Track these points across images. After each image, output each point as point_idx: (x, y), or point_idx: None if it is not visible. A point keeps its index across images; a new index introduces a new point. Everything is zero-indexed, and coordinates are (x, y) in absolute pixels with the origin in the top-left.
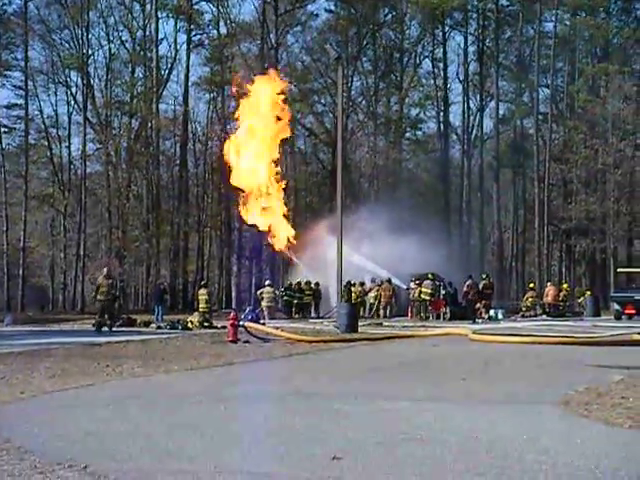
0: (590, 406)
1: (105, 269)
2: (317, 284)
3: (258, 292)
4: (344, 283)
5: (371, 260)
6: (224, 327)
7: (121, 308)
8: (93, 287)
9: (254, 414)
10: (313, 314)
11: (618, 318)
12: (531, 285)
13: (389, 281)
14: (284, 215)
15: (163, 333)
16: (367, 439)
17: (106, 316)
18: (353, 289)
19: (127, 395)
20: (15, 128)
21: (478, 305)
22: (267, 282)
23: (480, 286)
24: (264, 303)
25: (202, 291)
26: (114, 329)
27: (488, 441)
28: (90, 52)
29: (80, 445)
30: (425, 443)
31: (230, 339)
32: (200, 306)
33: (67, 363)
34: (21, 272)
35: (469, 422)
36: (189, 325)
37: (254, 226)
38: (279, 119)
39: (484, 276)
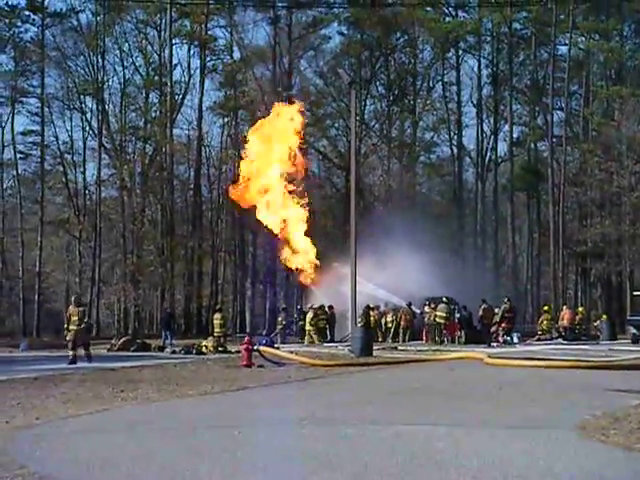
0: (607, 431)
1: (74, 297)
2: (331, 307)
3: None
4: (363, 307)
5: (384, 287)
6: (238, 352)
7: (90, 335)
8: (109, 312)
9: (269, 439)
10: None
11: (635, 342)
12: (545, 308)
13: (409, 305)
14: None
15: (177, 358)
16: (383, 464)
17: (80, 348)
18: (372, 313)
19: (142, 420)
20: (31, 154)
21: (494, 328)
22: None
23: (502, 309)
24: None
25: (217, 315)
26: (131, 353)
27: (504, 466)
28: (105, 78)
29: (95, 470)
30: (441, 468)
31: (244, 363)
32: (215, 330)
33: (82, 388)
34: (36, 297)
35: (485, 447)
36: (203, 350)
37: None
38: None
39: (506, 300)
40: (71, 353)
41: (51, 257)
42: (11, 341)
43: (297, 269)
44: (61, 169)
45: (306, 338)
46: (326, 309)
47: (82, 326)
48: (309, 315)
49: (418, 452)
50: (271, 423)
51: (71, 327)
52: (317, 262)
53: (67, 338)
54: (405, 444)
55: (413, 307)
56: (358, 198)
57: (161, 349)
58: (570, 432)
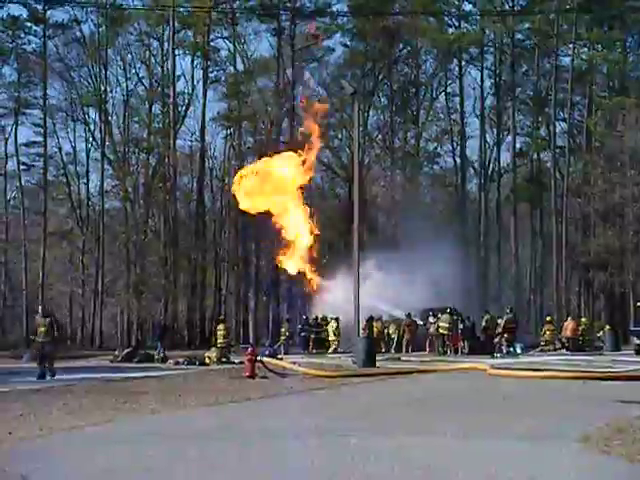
0: (610, 442)
1: (40, 307)
2: (335, 319)
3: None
4: (366, 318)
5: (386, 300)
6: (241, 362)
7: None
8: (112, 324)
9: (273, 450)
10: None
11: (638, 353)
12: (548, 319)
13: (409, 316)
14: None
15: (181, 369)
16: (386, 474)
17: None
18: (375, 324)
19: (145, 431)
20: (34, 165)
21: (497, 339)
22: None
23: (504, 320)
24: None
25: (220, 326)
26: (134, 364)
27: (507, 477)
28: (108, 89)
29: None
30: (444, 478)
31: (248, 374)
32: (218, 341)
33: (85, 399)
34: (40, 308)
35: (487, 457)
36: (207, 361)
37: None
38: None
39: (508, 310)
40: (39, 366)
41: (54, 268)
42: (14, 352)
43: (300, 279)
44: (64, 180)
45: (332, 348)
46: (328, 320)
47: (48, 338)
48: (332, 325)
49: (421, 463)
50: (274, 434)
51: (38, 339)
52: (320, 273)
53: (33, 351)
54: (408, 455)
55: (413, 317)
56: (361, 209)
57: (164, 360)
58: (573, 443)
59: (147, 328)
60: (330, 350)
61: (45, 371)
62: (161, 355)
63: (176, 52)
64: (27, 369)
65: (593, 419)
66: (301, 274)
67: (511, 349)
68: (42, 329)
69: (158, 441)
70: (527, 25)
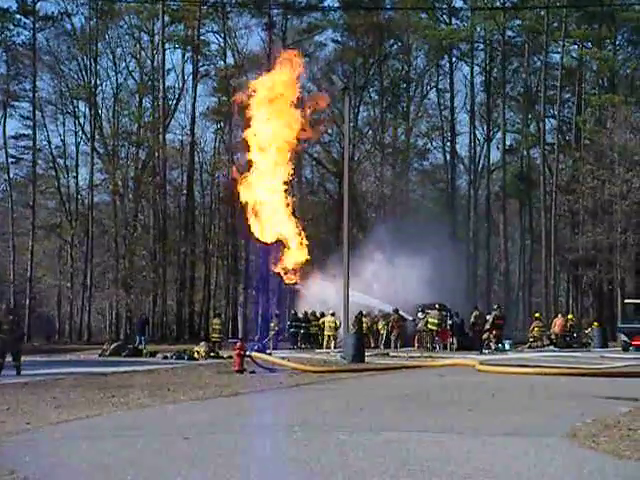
0: (598, 438)
1: (4, 304)
2: (323, 314)
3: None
4: (356, 314)
5: (374, 294)
6: (230, 357)
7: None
8: (100, 317)
9: (260, 445)
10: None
11: (625, 349)
12: (537, 315)
13: (396, 311)
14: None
15: (169, 363)
16: (373, 470)
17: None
18: (364, 320)
19: (133, 426)
20: (23, 158)
21: (486, 335)
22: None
23: (492, 316)
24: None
25: (216, 320)
26: (123, 358)
27: (494, 473)
28: (98, 82)
29: (85, 476)
30: (432, 474)
31: (236, 369)
32: (212, 335)
33: (73, 393)
34: (28, 302)
35: (475, 454)
36: (195, 355)
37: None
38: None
39: (495, 307)
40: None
41: (43, 262)
42: None
43: (289, 274)
44: (53, 173)
45: (332, 343)
46: (317, 315)
47: (12, 335)
48: (329, 319)
49: (409, 458)
50: (263, 429)
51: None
52: (309, 268)
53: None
54: (396, 450)
55: (401, 312)
56: (351, 204)
57: (153, 354)
58: (561, 439)
59: (134, 322)
60: (332, 345)
61: (2, 367)
62: (142, 346)
63: (166, 46)
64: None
65: (580, 415)
66: (290, 269)
67: (499, 345)
68: (5, 327)
69: (146, 435)
70: (517, 22)
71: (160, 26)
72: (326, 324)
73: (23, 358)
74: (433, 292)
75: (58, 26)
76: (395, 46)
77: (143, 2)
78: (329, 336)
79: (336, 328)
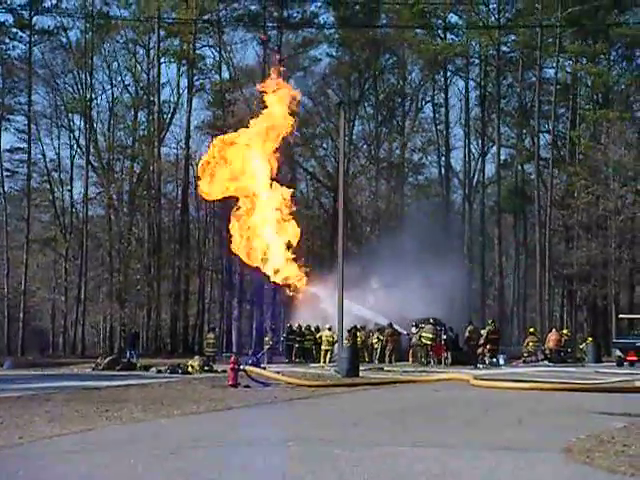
0: (592, 453)
1: None
2: (317, 328)
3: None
4: (349, 328)
5: (370, 308)
6: (224, 371)
7: None
8: (94, 331)
9: (255, 460)
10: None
11: (620, 365)
12: (531, 330)
13: (390, 326)
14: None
15: (163, 377)
16: None
17: None
18: (358, 334)
19: (126, 440)
20: (18, 172)
21: (480, 350)
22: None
23: (486, 331)
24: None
25: (210, 335)
26: (116, 372)
27: None
28: (93, 96)
29: None
30: None
31: (230, 383)
32: (206, 350)
33: (66, 407)
34: (22, 315)
35: (470, 469)
36: (189, 369)
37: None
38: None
39: (490, 321)
40: None
41: (37, 275)
42: None
43: (283, 288)
44: (48, 187)
45: (327, 357)
46: (312, 329)
47: None
48: (326, 333)
49: (404, 473)
50: (257, 444)
51: None
52: (304, 281)
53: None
54: (391, 465)
55: (395, 326)
56: (346, 219)
57: (147, 368)
58: (555, 454)
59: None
60: (327, 360)
61: None
62: (134, 360)
63: (162, 60)
64: (8, 377)
65: (575, 431)
66: (285, 283)
67: (494, 360)
68: None
69: (140, 450)
70: (512, 37)
71: (156, 40)
72: (323, 338)
73: (19, 372)
74: (427, 306)
75: (54, 40)
76: (390, 61)
77: (139, 19)
78: (326, 350)
79: (333, 343)
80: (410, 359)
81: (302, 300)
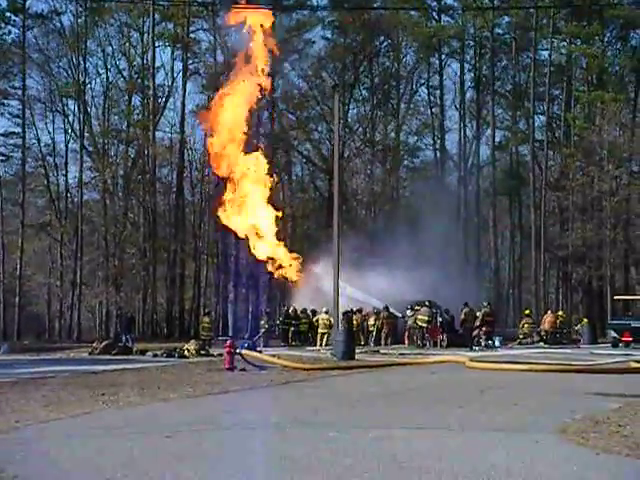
0: (587, 434)
1: None
2: (313, 312)
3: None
4: (345, 311)
5: (364, 290)
6: (220, 355)
7: None
8: (90, 316)
9: (251, 443)
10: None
11: (615, 345)
12: (527, 312)
13: (387, 309)
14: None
15: (159, 361)
16: (365, 467)
17: None
18: (354, 317)
19: (123, 424)
20: (12, 156)
21: (476, 332)
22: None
23: (482, 313)
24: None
25: (206, 319)
26: (112, 357)
27: (485, 469)
28: (87, 80)
29: (76, 475)
30: (422, 471)
31: (226, 367)
32: (202, 333)
33: (63, 392)
34: (17, 300)
35: (466, 450)
36: (185, 353)
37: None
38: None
39: (485, 303)
40: None
41: (32, 260)
42: None
43: (278, 271)
44: (43, 171)
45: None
46: (308, 312)
47: None
48: (323, 317)
49: (399, 455)
50: (253, 426)
51: None
52: (299, 264)
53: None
54: (386, 447)
55: (392, 309)
56: (341, 202)
57: (143, 352)
58: (551, 435)
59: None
60: (323, 343)
61: None
62: (129, 344)
63: (156, 44)
64: (4, 361)
65: (570, 412)
66: (281, 267)
67: (489, 342)
68: None
69: (136, 433)
70: (507, 19)
71: (150, 24)
72: (320, 321)
73: (16, 356)
74: (422, 289)
75: (48, 24)
76: (385, 43)
77: (132, 2)
78: (322, 334)
79: (330, 326)
80: (406, 342)
81: (299, 281)
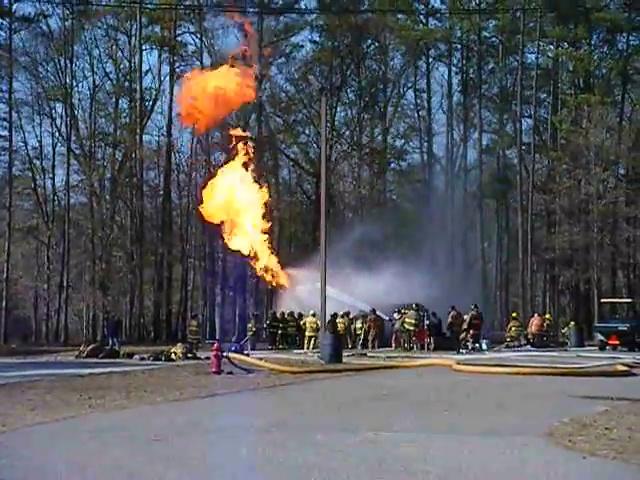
0: (574, 437)
1: None
2: (301, 315)
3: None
4: (330, 314)
5: (351, 293)
6: (207, 358)
7: None
8: (77, 319)
9: (238, 446)
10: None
11: (602, 349)
12: (514, 315)
13: (374, 312)
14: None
15: (146, 365)
16: (351, 470)
17: None
18: (339, 321)
19: (110, 427)
20: None
21: (463, 335)
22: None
23: (469, 316)
24: None
25: (193, 322)
26: (99, 360)
27: (472, 473)
28: (74, 84)
29: (62, 478)
30: (409, 474)
31: (214, 370)
32: (189, 337)
33: (49, 395)
34: (4, 303)
35: (452, 453)
36: (172, 356)
37: (238, 252)
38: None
39: (472, 306)
40: None
41: (19, 263)
42: None
43: (265, 275)
44: (30, 175)
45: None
46: (295, 315)
47: None
48: (310, 319)
49: (386, 458)
50: (240, 430)
51: None
52: (285, 268)
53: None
54: (373, 450)
55: (379, 313)
56: (328, 205)
57: (130, 356)
58: (538, 438)
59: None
60: (311, 346)
61: None
62: (116, 348)
63: (143, 47)
64: None
65: (557, 415)
66: (268, 270)
67: (477, 345)
68: None
69: (123, 437)
70: (494, 22)
71: (137, 27)
72: (307, 324)
73: (2, 360)
74: (410, 291)
75: (35, 27)
76: (372, 46)
77: (119, 6)
78: (310, 337)
79: (317, 329)
80: (393, 345)
81: (282, 285)
